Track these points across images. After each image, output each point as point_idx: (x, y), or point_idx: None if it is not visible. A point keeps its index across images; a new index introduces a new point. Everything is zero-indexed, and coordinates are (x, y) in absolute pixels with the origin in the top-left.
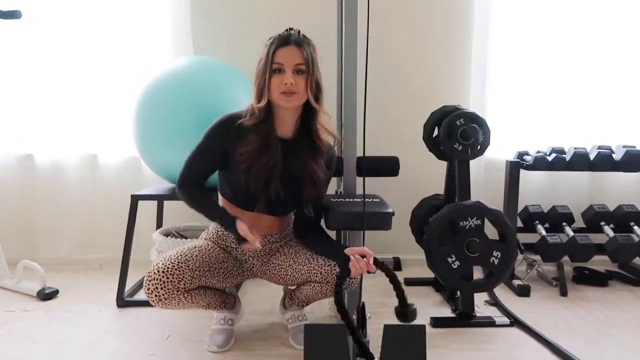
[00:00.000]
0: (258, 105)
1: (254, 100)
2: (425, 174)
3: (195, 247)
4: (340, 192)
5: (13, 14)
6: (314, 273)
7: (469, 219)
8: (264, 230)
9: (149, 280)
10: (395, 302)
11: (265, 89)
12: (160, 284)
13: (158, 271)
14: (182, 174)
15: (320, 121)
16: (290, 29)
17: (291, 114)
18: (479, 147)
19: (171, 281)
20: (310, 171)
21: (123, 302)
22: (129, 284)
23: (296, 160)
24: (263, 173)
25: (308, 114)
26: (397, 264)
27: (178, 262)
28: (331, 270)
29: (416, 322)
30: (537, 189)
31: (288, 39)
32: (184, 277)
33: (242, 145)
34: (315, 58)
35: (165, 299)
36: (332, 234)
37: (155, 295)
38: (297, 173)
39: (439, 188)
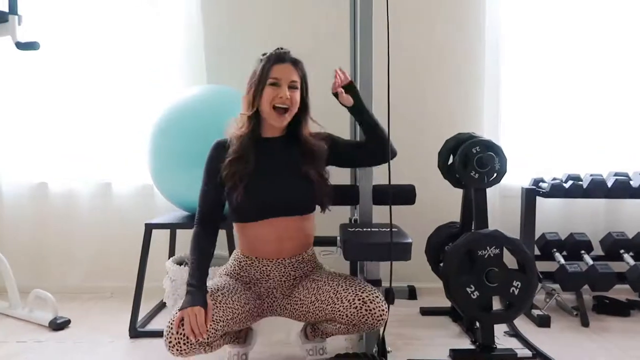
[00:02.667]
0: (246, 114)
1: (243, 110)
2: (440, 201)
3: (218, 290)
4: (355, 220)
5: (32, 45)
6: (340, 315)
7: (488, 247)
8: (288, 242)
9: (171, 334)
10: (414, 333)
11: (256, 99)
12: (183, 339)
13: (181, 325)
14: (198, 211)
15: (305, 131)
16: (281, 48)
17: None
18: (495, 174)
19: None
20: (312, 175)
21: (136, 332)
22: (141, 314)
23: (286, 156)
24: (245, 175)
25: (295, 120)
26: (412, 292)
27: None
28: (357, 313)
29: (437, 355)
30: (552, 215)
31: (284, 57)
32: (207, 331)
33: (226, 158)
34: (306, 75)
35: (187, 353)
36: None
37: (177, 350)
38: (289, 166)
39: (454, 215)
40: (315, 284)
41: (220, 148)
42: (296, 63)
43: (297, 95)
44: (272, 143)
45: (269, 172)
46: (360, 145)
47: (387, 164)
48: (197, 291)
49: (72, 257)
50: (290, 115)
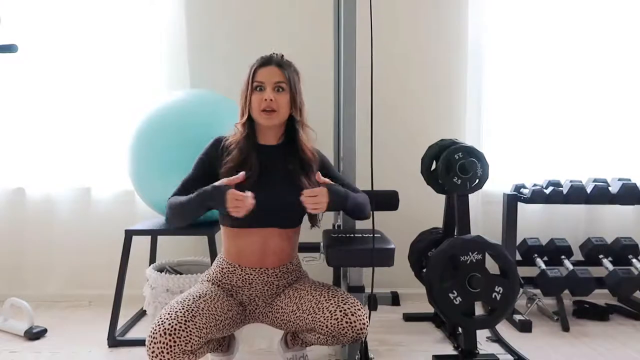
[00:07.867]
0: (240, 122)
1: (239, 118)
2: (422, 207)
3: (200, 297)
4: (339, 226)
5: (9, 48)
6: (319, 325)
7: (470, 253)
8: (272, 256)
9: (154, 343)
10: (397, 339)
11: (246, 106)
12: (167, 348)
13: (164, 333)
14: (174, 192)
15: (302, 137)
16: (275, 53)
17: (274, 129)
18: (477, 180)
19: (178, 344)
20: (306, 186)
21: (115, 341)
22: (121, 322)
23: (283, 165)
24: (250, 181)
25: (292, 127)
26: (395, 298)
27: (185, 320)
28: (337, 325)
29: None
30: (533, 221)
31: (269, 60)
32: (191, 338)
33: (225, 164)
34: (296, 79)
35: None
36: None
37: (160, 359)
38: (285, 177)
39: (437, 221)
40: (298, 293)
41: (219, 145)
42: (282, 65)
43: (284, 97)
44: (269, 150)
45: (267, 180)
46: None
47: (369, 169)
48: (209, 187)
49: (50, 264)
50: (279, 117)
